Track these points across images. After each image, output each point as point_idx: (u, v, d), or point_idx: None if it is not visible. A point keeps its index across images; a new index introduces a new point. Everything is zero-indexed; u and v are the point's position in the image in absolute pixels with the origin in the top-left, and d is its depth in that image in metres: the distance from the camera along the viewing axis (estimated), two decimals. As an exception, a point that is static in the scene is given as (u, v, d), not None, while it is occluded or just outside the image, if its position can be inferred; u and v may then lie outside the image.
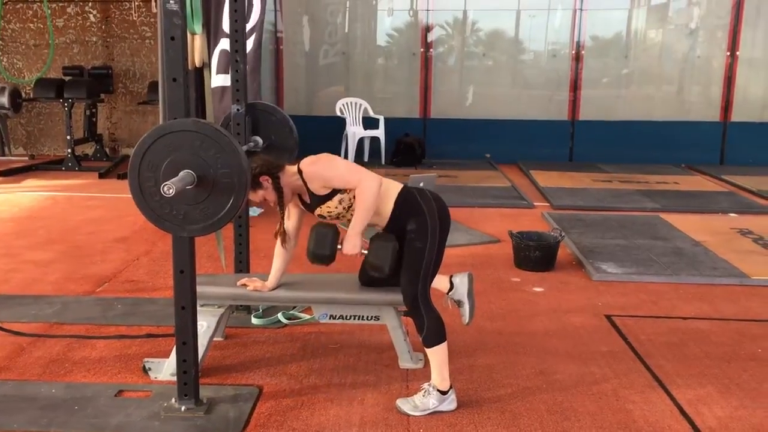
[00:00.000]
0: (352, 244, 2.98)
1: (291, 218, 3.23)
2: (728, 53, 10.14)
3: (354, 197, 3.00)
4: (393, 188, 3.08)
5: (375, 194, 2.92)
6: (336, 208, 3.04)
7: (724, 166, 10.03)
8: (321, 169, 3.00)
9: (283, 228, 3.19)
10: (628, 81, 10.53)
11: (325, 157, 3.06)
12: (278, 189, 3.02)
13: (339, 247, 3.02)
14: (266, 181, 3.00)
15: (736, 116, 10.21)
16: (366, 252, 3.03)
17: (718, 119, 10.26)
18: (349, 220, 3.05)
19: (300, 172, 3.01)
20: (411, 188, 3.11)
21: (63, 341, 3.67)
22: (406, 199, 3.05)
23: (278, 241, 3.27)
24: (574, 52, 10.29)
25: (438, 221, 3.03)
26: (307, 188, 3.03)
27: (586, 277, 4.95)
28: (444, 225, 3.08)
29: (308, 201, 3.09)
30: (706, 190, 8.34)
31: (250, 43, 6.18)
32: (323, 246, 3.03)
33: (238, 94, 3.89)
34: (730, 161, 10.15)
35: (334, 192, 3.01)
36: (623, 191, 8.09)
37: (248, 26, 6.23)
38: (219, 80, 6.17)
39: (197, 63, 6.16)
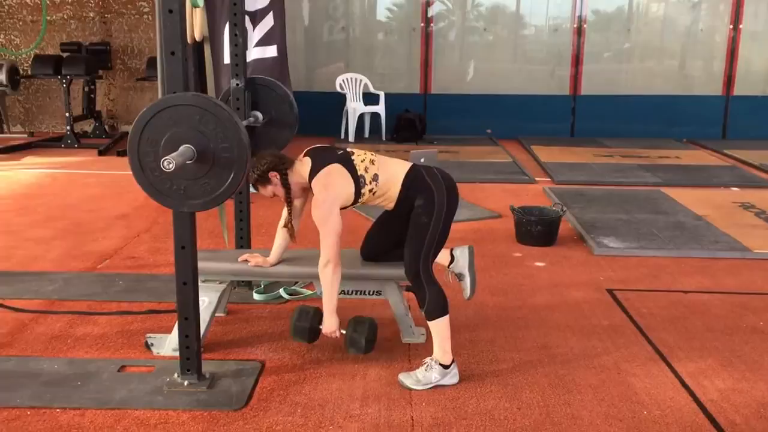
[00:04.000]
0: (329, 324, 3.04)
1: (298, 198, 3.21)
2: (731, 26, 10.05)
3: (368, 192, 3.02)
4: (400, 171, 3.07)
5: (330, 281, 2.96)
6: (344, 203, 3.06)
7: (727, 140, 10.00)
8: (315, 213, 2.95)
9: (290, 223, 3.20)
10: (630, 55, 10.45)
11: (327, 208, 2.93)
12: (286, 185, 3.04)
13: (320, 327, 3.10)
14: (275, 177, 3.02)
15: (738, 90, 10.15)
16: (343, 331, 3.09)
17: (720, 93, 10.21)
18: (363, 203, 3.09)
19: (310, 181, 3.00)
20: (418, 167, 3.10)
21: (65, 317, 3.67)
22: (414, 180, 3.04)
23: (281, 221, 3.28)
24: (575, 26, 10.20)
25: (446, 198, 3.02)
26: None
27: (588, 251, 4.94)
28: (452, 203, 3.06)
29: None
30: (708, 164, 8.32)
31: (270, 20, 6.32)
32: (305, 320, 3.11)
33: (237, 68, 3.85)
34: (733, 135, 10.11)
35: None
36: (625, 166, 8.07)
37: (263, 3, 6.33)
38: (258, 53, 6.42)
39: (197, 37, 6.10)
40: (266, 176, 3.03)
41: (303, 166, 3.05)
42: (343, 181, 2.98)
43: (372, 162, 3.06)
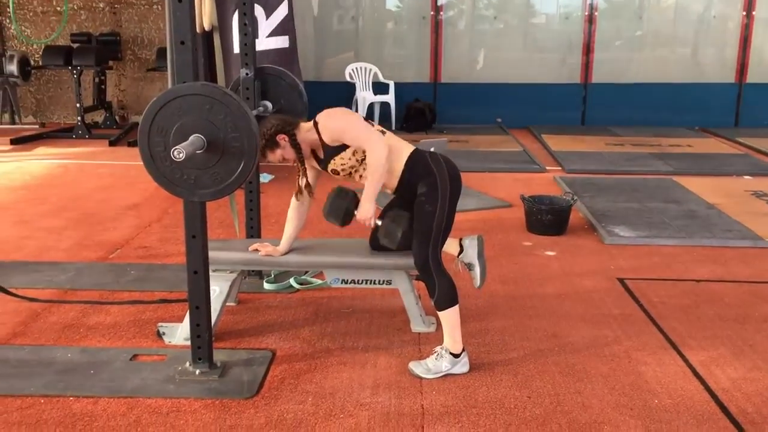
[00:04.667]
0: (365, 209, 2.99)
1: (308, 159, 3.20)
2: (744, 13, 9.95)
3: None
4: (404, 150, 3.06)
5: (383, 163, 2.92)
6: (349, 160, 3.01)
7: (739, 128, 9.91)
8: (335, 121, 3.00)
9: (307, 181, 3.18)
10: (641, 43, 10.36)
11: (341, 111, 3.05)
12: (296, 146, 3.04)
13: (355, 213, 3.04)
14: (283, 139, 3.02)
15: (751, 77, 10.05)
16: (379, 222, 3.05)
17: (733, 81, 10.12)
18: (362, 176, 3.05)
19: (315, 124, 3.03)
20: (422, 151, 3.09)
21: (77, 307, 3.70)
22: (416, 162, 3.03)
23: (290, 207, 3.28)
24: (586, 13, 10.12)
25: (449, 185, 3.01)
26: (321, 141, 3.02)
27: (599, 240, 4.93)
28: (455, 189, 3.05)
29: (322, 156, 3.07)
30: (721, 152, 8.26)
31: (284, 9, 6.31)
32: (342, 198, 3.06)
33: (247, 58, 3.85)
34: (745, 123, 10.03)
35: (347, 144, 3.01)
36: (636, 154, 8.02)
37: None
38: (271, 43, 6.46)
39: (206, 27, 6.11)
40: (274, 140, 3.01)
41: (307, 123, 3.08)
42: (350, 111, 3.10)
43: (381, 129, 3.09)
